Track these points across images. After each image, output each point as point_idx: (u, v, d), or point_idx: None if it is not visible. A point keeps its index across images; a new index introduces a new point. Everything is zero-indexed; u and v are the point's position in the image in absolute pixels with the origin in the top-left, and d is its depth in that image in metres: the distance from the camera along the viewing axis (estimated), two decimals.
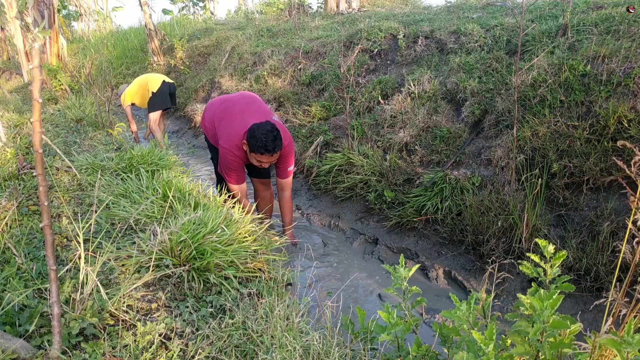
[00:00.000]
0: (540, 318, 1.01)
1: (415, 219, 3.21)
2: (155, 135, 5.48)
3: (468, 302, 1.17)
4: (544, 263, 1.13)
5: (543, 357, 1.03)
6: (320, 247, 3.30)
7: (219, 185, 3.21)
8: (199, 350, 1.44)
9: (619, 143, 1.14)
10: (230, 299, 1.76)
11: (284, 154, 2.92)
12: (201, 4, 20.00)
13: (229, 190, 3.00)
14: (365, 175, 3.71)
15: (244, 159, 2.88)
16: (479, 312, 1.17)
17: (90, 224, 1.94)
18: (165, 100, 5.45)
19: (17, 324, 1.39)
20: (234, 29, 9.66)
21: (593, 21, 3.50)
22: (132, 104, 5.63)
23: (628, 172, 1.08)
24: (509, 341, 1.12)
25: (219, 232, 2.00)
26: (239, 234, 2.13)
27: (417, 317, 1.64)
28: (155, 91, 5.35)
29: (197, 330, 1.57)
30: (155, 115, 5.44)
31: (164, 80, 5.43)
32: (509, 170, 2.95)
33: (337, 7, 9.06)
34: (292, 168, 3.06)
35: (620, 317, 1.14)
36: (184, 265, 1.84)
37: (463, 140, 3.56)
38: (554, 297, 1.01)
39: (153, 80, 5.41)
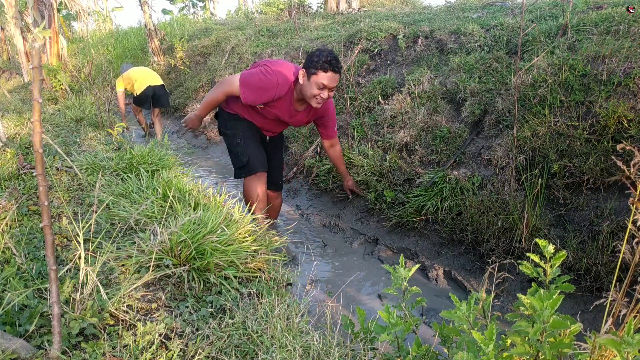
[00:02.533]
0: (540, 318, 1.01)
1: (415, 219, 3.21)
2: (138, 118, 6.40)
3: (468, 302, 1.17)
4: (544, 263, 1.13)
5: (543, 357, 1.03)
6: (320, 247, 3.30)
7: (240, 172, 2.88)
8: (199, 350, 1.44)
9: (619, 147, 1.13)
10: (230, 299, 1.76)
11: (331, 113, 2.95)
12: (201, 4, 20.00)
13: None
14: (365, 175, 3.71)
15: (281, 96, 2.64)
16: (479, 312, 1.17)
17: (90, 224, 1.94)
18: (145, 104, 6.03)
19: (17, 324, 1.39)
20: (234, 29, 9.66)
21: (593, 21, 3.50)
22: (125, 89, 6.15)
23: (628, 173, 1.08)
24: (509, 341, 1.12)
25: (219, 232, 2.00)
26: (239, 234, 2.13)
27: (417, 317, 1.63)
28: (136, 95, 5.89)
29: (197, 330, 1.57)
30: (136, 107, 6.25)
31: (149, 85, 5.84)
32: (509, 170, 2.95)
33: (337, 7, 9.06)
34: (336, 127, 3.12)
35: (620, 317, 1.14)
36: (184, 265, 1.84)
37: (463, 140, 3.56)
38: (554, 297, 1.01)
39: (140, 82, 5.84)
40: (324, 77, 2.50)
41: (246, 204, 2.76)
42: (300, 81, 2.58)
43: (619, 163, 1.12)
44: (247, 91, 2.62)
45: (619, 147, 1.14)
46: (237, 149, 2.86)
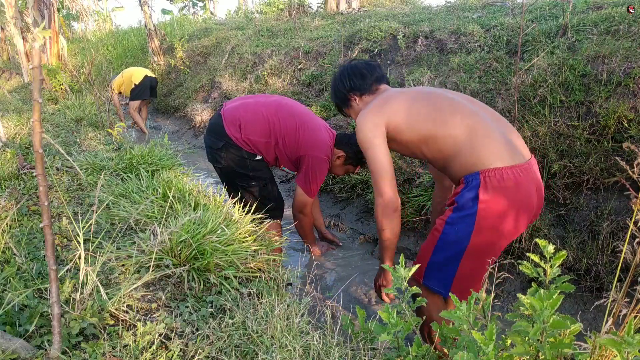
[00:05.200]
0: (540, 318, 1.01)
1: (415, 219, 3.21)
2: (135, 119, 6.69)
3: (468, 302, 1.17)
4: (544, 263, 1.13)
5: (543, 357, 1.03)
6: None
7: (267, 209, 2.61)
8: (199, 350, 1.44)
9: (625, 145, 1.13)
10: (230, 299, 1.76)
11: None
12: (201, 4, 20.01)
13: (302, 205, 2.76)
14: (366, 174, 3.71)
15: None
16: (479, 312, 1.17)
17: (90, 224, 1.94)
18: (145, 92, 6.56)
19: (17, 324, 1.39)
20: (234, 29, 9.66)
21: (593, 21, 3.51)
22: (119, 93, 6.72)
23: (630, 173, 1.08)
24: (509, 341, 1.12)
25: (219, 232, 2.00)
26: (239, 234, 2.13)
27: (417, 317, 1.63)
28: (137, 83, 6.42)
29: (197, 330, 1.57)
30: (135, 104, 6.60)
31: (146, 75, 6.52)
32: None
33: (337, 7, 9.06)
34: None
35: (621, 317, 1.14)
36: (184, 265, 1.84)
37: None
38: (554, 297, 1.01)
39: (137, 73, 6.51)
40: (357, 170, 2.80)
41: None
42: (334, 159, 2.75)
43: (622, 163, 1.12)
44: (318, 188, 2.75)
45: (624, 145, 1.14)
46: (264, 192, 2.74)
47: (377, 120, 1.80)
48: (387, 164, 1.81)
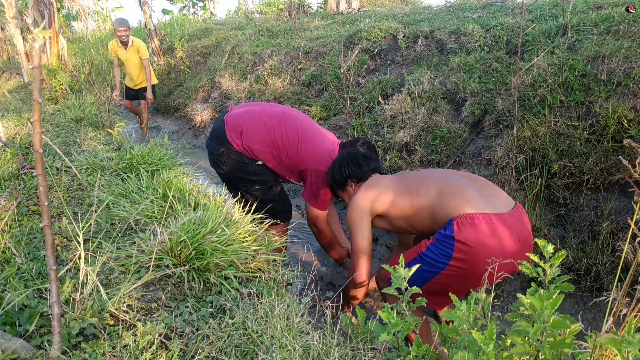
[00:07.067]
0: (540, 318, 1.01)
1: None
2: (146, 116, 6.58)
3: (468, 302, 1.17)
4: (544, 263, 1.13)
5: (543, 357, 1.03)
6: (320, 246, 3.30)
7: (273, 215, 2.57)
8: (199, 350, 1.44)
9: (625, 142, 1.14)
10: (230, 299, 1.76)
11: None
12: (201, 4, 20.03)
13: (314, 219, 2.66)
14: None
15: None
16: (479, 312, 1.17)
17: (90, 224, 1.94)
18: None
19: (17, 324, 1.39)
20: (234, 29, 9.66)
21: (593, 21, 3.50)
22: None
23: (632, 171, 1.08)
24: (509, 341, 1.12)
25: (219, 232, 2.00)
26: (239, 234, 2.13)
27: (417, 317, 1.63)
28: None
29: (197, 330, 1.57)
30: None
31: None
32: (509, 170, 2.95)
33: (337, 7, 9.06)
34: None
35: (621, 317, 1.14)
36: (184, 265, 1.84)
37: (463, 140, 3.56)
38: (554, 297, 1.01)
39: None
40: None
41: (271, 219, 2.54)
42: None
43: (625, 162, 1.12)
44: (327, 198, 2.65)
45: (625, 142, 1.14)
46: (269, 195, 2.70)
47: (365, 205, 2.08)
48: (366, 245, 2.10)
